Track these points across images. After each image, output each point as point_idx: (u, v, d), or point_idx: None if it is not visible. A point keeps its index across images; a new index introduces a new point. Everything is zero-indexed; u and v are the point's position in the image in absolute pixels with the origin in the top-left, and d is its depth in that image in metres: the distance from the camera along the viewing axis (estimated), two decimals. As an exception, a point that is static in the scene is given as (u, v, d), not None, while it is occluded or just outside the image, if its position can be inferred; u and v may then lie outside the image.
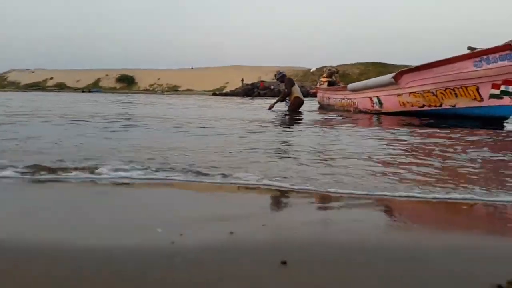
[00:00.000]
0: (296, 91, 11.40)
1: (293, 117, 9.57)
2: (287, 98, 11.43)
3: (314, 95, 19.69)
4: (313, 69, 19.57)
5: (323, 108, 15.15)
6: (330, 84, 16.11)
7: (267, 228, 1.79)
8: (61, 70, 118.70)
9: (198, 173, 2.65)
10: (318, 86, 17.32)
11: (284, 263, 1.36)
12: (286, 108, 11.33)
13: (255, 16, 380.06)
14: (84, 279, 1.24)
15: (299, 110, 11.33)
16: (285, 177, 2.59)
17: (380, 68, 58.76)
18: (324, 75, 17.05)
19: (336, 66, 18.15)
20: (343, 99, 13.20)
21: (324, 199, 2.26)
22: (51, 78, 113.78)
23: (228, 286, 1.21)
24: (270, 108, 11.55)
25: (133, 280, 1.25)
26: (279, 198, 2.30)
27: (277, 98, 12.19)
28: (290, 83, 11.39)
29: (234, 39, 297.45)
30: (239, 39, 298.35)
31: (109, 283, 1.23)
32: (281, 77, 11.73)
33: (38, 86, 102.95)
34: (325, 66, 18.24)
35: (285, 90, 11.39)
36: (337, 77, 17.32)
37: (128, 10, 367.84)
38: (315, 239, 1.66)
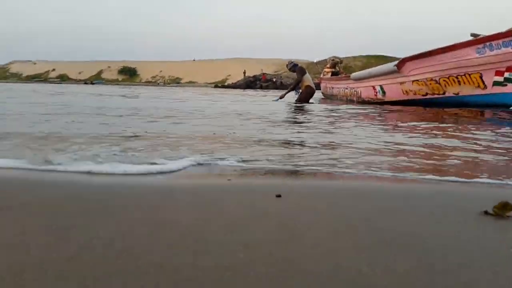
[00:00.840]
0: (308, 79, 11.06)
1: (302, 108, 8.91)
2: (298, 86, 11.05)
3: (317, 85, 19.62)
4: (316, 60, 19.29)
5: (327, 98, 15.11)
6: (334, 74, 15.98)
7: (260, 176, 1.86)
8: (63, 61, 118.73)
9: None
10: (322, 76, 17.31)
11: (279, 196, 1.44)
12: (295, 99, 10.93)
13: (257, 9, 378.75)
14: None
15: (311, 100, 10.92)
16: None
17: (382, 61, 58.54)
18: (328, 65, 17.01)
19: (318, 61, 18.12)
20: (346, 88, 13.15)
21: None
22: (53, 69, 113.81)
23: (229, 212, 1.28)
24: (281, 97, 11.28)
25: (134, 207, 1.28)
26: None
27: (286, 90, 11.70)
28: (301, 71, 11.11)
29: (236, 31, 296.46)
30: (242, 31, 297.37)
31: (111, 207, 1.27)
32: (293, 66, 11.43)
33: (39, 78, 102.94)
34: (329, 57, 18.17)
35: (297, 77, 11.06)
36: (341, 67, 17.27)
37: (130, 1, 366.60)
38: (308, 181, 1.72)
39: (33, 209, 1.24)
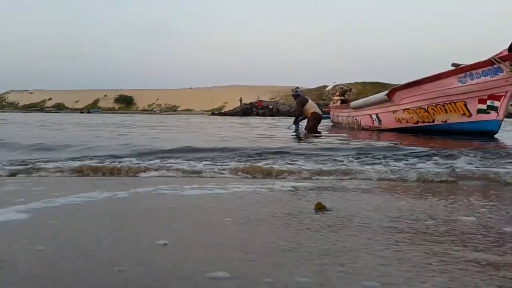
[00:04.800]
0: (312, 106, 10.68)
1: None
2: (304, 116, 10.68)
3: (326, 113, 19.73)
4: (327, 88, 19.54)
5: (335, 125, 15.55)
6: (343, 102, 16.19)
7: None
8: (60, 90, 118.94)
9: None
10: (331, 104, 17.66)
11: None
12: (298, 129, 10.72)
13: (253, 36, 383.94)
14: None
15: (317, 127, 10.50)
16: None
17: (378, 88, 59.27)
18: (337, 94, 17.44)
19: (335, 85, 18.66)
20: (348, 116, 13.61)
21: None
22: (50, 98, 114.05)
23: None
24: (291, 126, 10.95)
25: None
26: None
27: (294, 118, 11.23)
28: (301, 102, 10.66)
29: (232, 59, 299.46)
30: (238, 59, 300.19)
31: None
32: (295, 95, 10.95)
33: (36, 107, 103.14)
34: (337, 85, 18.77)
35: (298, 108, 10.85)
36: (350, 95, 17.63)
37: (126, 30, 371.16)
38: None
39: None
